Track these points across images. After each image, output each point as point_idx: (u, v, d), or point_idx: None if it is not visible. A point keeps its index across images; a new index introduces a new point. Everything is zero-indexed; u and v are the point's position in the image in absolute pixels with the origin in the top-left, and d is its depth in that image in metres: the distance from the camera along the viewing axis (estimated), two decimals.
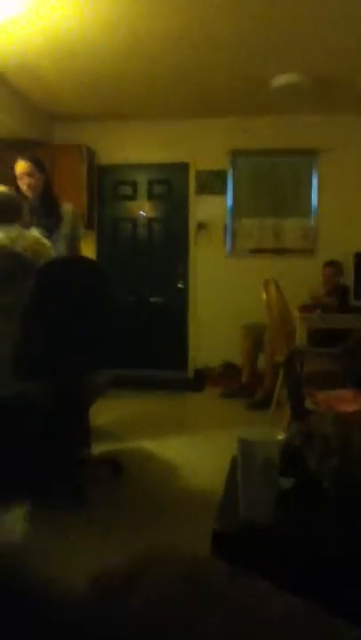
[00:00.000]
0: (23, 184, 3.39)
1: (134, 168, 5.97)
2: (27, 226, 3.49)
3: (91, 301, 2.65)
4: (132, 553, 0.80)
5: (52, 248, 2.82)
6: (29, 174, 3.39)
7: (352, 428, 1.70)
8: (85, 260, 2.73)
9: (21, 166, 3.39)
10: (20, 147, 4.13)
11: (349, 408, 2.58)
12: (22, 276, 2.63)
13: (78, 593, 0.70)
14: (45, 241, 2.81)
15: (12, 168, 3.42)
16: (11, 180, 3.45)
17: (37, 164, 3.46)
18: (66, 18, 3.58)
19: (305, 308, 4.26)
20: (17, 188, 3.45)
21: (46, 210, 3.41)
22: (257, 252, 5.77)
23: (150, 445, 3.51)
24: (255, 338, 4.94)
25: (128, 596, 0.69)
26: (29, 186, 3.38)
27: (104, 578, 0.73)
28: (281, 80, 4.54)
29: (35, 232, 2.84)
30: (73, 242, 3.44)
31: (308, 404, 2.85)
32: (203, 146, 5.75)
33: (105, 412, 3.77)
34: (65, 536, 2.29)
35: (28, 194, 3.40)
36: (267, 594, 0.74)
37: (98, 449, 3.23)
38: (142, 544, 2.03)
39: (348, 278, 4.82)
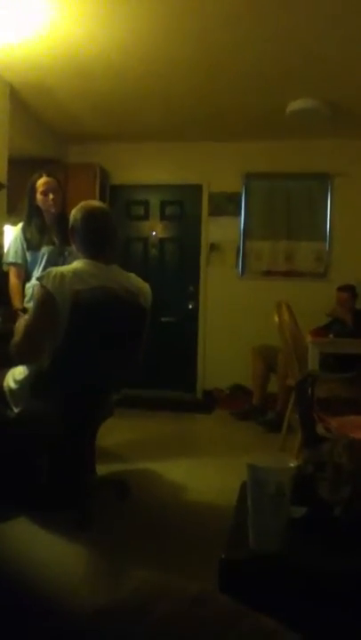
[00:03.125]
0: (48, 199, 3.38)
1: (147, 188, 5.99)
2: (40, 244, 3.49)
3: (125, 334, 2.60)
4: (137, 583, 0.76)
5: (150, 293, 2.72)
6: (54, 190, 3.39)
7: None
8: (128, 295, 2.58)
9: (48, 182, 3.39)
10: (35, 166, 4.15)
11: None
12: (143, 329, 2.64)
13: (83, 612, 0.67)
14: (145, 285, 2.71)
15: (32, 185, 3.42)
16: (28, 196, 3.45)
17: (59, 181, 3.47)
18: (81, 39, 3.62)
19: (317, 332, 4.21)
20: (31, 204, 3.45)
21: (60, 227, 3.42)
22: (269, 274, 5.74)
23: (157, 467, 3.45)
24: (266, 360, 4.89)
25: (131, 629, 0.65)
26: (55, 201, 3.39)
27: (108, 608, 0.69)
28: (296, 105, 4.56)
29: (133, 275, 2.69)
30: None
31: (320, 429, 2.79)
32: (216, 168, 5.76)
33: (112, 433, 3.72)
34: (68, 556, 2.24)
35: (52, 209, 3.41)
36: (272, 633, 0.69)
37: (104, 470, 3.18)
38: (148, 572, 1.96)
39: None
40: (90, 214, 2.57)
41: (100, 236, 2.57)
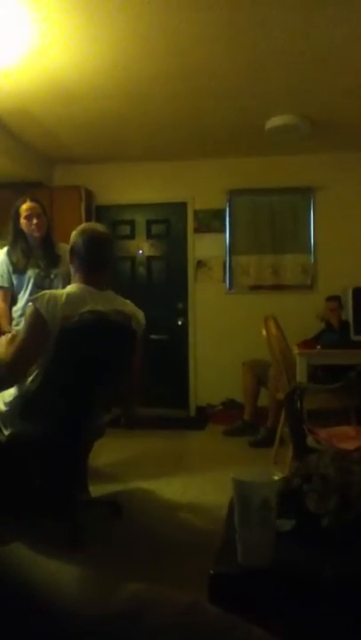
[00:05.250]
0: (31, 224, 3.42)
1: (133, 208, 6.03)
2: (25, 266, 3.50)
3: (113, 358, 2.61)
4: (128, 593, 0.77)
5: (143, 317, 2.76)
6: (37, 215, 3.43)
7: (351, 466, 1.66)
8: (118, 317, 2.59)
9: (31, 207, 3.42)
10: (20, 189, 4.18)
11: (351, 445, 2.53)
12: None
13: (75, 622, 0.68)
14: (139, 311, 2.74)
15: (16, 210, 3.45)
16: (12, 221, 3.47)
17: (42, 206, 3.51)
18: (64, 65, 3.66)
19: (304, 345, 4.23)
20: (16, 228, 3.47)
21: (45, 250, 3.45)
22: (256, 288, 5.78)
23: (150, 486, 3.44)
24: (257, 375, 4.90)
25: (122, 636, 0.65)
26: (38, 226, 3.42)
27: (99, 617, 0.70)
28: (275, 122, 4.62)
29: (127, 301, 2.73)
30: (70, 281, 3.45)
31: (311, 441, 2.80)
32: (201, 186, 5.82)
33: (104, 453, 3.71)
34: (62, 574, 2.23)
35: (35, 234, 3.44)
36: None
37: (97, 490, 3.16)
38: (139, 583, 1.95)
39: (347, 313, 4.81)
40: (93, 239, 2.57)
41: (100, 262, 2.60)
